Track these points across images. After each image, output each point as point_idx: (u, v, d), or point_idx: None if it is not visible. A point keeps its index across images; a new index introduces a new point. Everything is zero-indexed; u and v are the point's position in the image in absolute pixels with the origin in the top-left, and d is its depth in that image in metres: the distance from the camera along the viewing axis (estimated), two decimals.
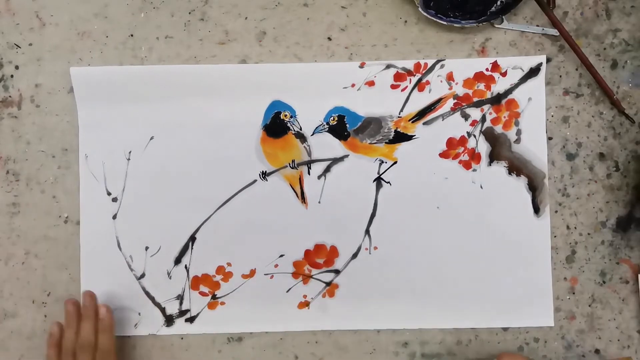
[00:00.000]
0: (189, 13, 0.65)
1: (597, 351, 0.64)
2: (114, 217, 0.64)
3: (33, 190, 0.65)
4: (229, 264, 0.64)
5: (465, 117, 0.64)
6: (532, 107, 0.64)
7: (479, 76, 0.64)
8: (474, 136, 0.64)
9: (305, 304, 0.64)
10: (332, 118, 0.64)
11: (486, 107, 0.64)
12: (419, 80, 0.64)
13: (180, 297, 0.64)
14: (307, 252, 0.64)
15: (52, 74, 0.65)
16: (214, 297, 0.64)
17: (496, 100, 0.64)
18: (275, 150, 0.64)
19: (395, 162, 0.64)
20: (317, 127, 0.64)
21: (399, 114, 0.64)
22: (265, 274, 0.64)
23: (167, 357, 0.64)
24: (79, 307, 0.63)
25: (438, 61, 0.64)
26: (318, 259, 0.64)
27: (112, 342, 0.62)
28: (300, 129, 0.64)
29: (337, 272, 0.64)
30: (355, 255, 0.64)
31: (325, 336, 0.64)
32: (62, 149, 0.65)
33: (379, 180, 0.64)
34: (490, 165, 0.64)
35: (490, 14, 0.63)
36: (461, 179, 0.64)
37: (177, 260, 0.64)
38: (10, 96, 0.65)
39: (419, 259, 0.64)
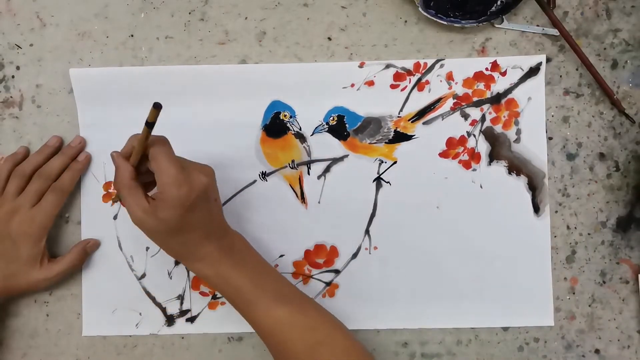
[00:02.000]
0: (189, 13, 0.65)
1: (597, 351, 0.64)
2: (115, 217, 0.65)
3: None
4: None
5: (465, 116, 0.64)
6: (532, 106, 0.64)
7: (478, 76, 0.64)
8: (474, 136, 0.64)
9: None
10: (331, 118, 0.64)
11: (486, 106, 0.64)
12: (419, 80, 0.64)
13: (180, 297, 0.65)
14: (307, 252, 0.64)
15: (52, 75, 0.65)
16: (214, 297, 0.65)
17: (496, 99, 0.64)
18: (275, 151, 0.64)
19: (395, 162, 0.64)
20: (316, 127, 0.64)
21: (399, 113, 0.64)
22: None
23: (167, 357, 0.65)
24: (61, 146, 0.64)
25: (438, 61, 0.64)
26: (318, 259, 0.64)
27: (72, 183, 0.63)
28: (300, 129, 0.64)
29: (337, 272, 0.64)
30: (355, 255, 0.64)
31: None
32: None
33: (378, 180, 0.64)
34: (490, 164, 0.64)
35: (490, 13, 0.63)
36: (461, 179, 0.64)
37: (178, 261, 0.64)
38: (11, 97, 0.65)
39: (419, 259, 0.64)
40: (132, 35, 0.65)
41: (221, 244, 0.56)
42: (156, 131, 0.64)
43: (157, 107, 0.50)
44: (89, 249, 0.64)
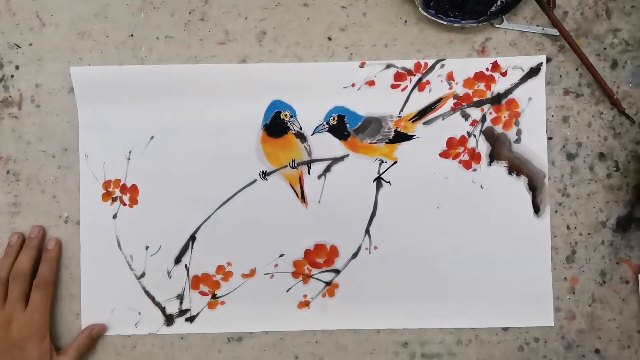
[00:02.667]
0: (189, 13, 0.65)
1: (597, 351, 0.64)
2: (114, 216, 0.64)
3: (33, 190, 0.65)
4: (229, 264, 0.64)
5: (466, 116, 0.64)
6: (532, 107, 0.64)
7: (479, 76, 0.64)
8: (474, 136, 0.64)
9: (305, 304, 0.64)
10: (332, 118, 0.64)
11: (486, 106, 0.64)
12: (419, 80, 0.64)
13: (180, 297, 0.64)
14: (307, 252, 0.64)
15: (52, 74, 0.65)
16: (214, 296, 0.64)
17: (496, 100, 0.64)
18: (276, 150, 0.64)
19: (396, 162, 0.64)
20: (317, 127, 0.64)
21: (399, 113, 0.64)
22: (265, 274, 0.64)
23: (167, 357, 0.64)
24: (23, 241, 0.64)
25: (438, 61, 0.64)
26: (318, 259, 0.64)
27: (52, 274, 0.63)
28: (301, 129, 0.64)
29: (337, 271, 0.64)
30: (355, 255, 0.64)
31: (325, 336, 0.64)
32: (62, 149, 0.65)
33: (379, 180, 0.64)
34: (490, 165, 0.64)
35: (490, 14, 0.63)
36: (461, 179, 0.64)
37: (177, 260, 0.64)
38: (10, 96, 0.65)
39: (419, 258, 0.64)
40: (132, 35, 0.65)
41: None
42: (155, 130, 0.64)
43: None
44: (94, 335, 0.64)
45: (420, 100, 0.64)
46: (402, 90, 0.64)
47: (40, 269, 0.63)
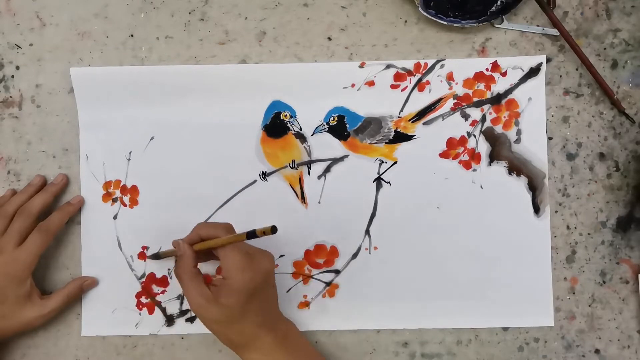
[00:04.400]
0: (189, 13, 0.65)
1: (597, 351, 0.64)
2: (115, 217, 0.64)
3: None
4: None
5: (465, 117, 0.64)
6: (532, 107, 0.64)
7: (479, 76, 0.64)
8: (474, 136, 0.64)
9: (305, 304, 0.64)
10: (332, 118, 0.64)
11: (486, 107, 0.64)
12: (419, 80, 0.64)
13: (180, 297, 0.65)
14: (307, 252, 0.64)
15: (52, 74, 0.65)
16: None
17: (496, 100, 0.64)
18: (275, 151, 0.64)
19: (395, 162, 0.64)
20: (317, 127, 0.64)
21: (399, 114, 0.64)
22: None
23: (167, 357, 0.65)
24: (45, 184, 0.64)
25: (438, 61, 0.64)
26: (318, 259, 0.64)
27: (59, 224, 0.62)
28: (300, 129, 0.64)
29: (337, 272, 0.64)
30: (355, 255, 0.64)
31: (325, 336, 0.65)
32: (62, 149, 0.65)
33: (379, 181, 0.64)
34: (490, 165, 0.64)
35: (490, 14, 0.63)
36: (461, 179, 0.64)
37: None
38: (11, 96, 0.65)
39: (419, 259, 0.64)
40: (132, 35, 0.65)
41: (276, 334, 0.56)
42: (155, 131, 0.64)
43: (273, 231, 0.50)
44: (85, 287, 0.63)
45: (420, 100, 0.64)
46: (402, 90, 0.64)
47: (51, 216, 0.62)
